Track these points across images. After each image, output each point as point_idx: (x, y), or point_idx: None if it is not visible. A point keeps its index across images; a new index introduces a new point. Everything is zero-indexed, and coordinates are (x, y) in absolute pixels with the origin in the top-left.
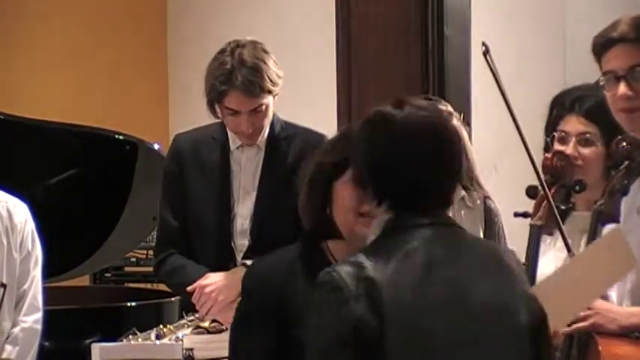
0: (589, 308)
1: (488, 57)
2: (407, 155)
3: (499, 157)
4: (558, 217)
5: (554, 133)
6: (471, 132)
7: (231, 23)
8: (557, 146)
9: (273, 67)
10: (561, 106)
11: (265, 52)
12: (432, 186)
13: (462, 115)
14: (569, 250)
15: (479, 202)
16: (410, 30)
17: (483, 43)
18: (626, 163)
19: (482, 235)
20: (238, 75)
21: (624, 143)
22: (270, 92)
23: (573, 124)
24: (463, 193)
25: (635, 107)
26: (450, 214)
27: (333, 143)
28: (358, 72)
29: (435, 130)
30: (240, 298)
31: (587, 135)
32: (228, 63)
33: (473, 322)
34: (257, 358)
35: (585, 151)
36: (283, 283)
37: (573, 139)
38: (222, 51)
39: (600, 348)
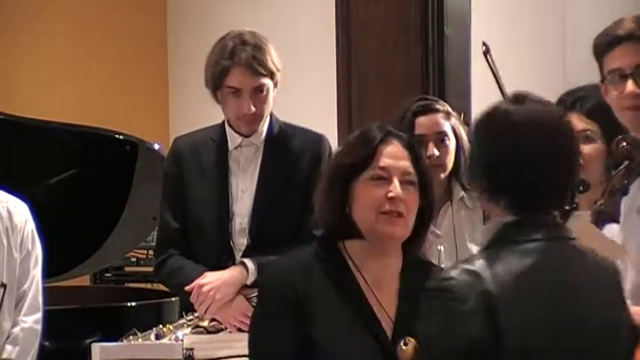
0: None
1: (488, 57)
2: (525, 150)
3: None
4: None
5: None
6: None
7: (231, 23)
8: None
9: (274, 53)
10: (563, 105)
11: (265, 39)
12: (549, 183)
13: (462, 115)
14: None
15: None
16: (410, 30)
17: (484, 43)
18: (626, 162)
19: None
20: (242, 53)
21: (624, 143)
22: (272, 75)
23: (574, 122)
24: (462, 193)
25: None
26: (449, 215)
27: (351, 143)
28: (358, 72)
29: (553, 124)
30: (257, 295)
31: (588, 132)
32: (229, 45)
33: (585, 345)
34: (275, 357)
35: (586, 148)
36: (299, 282)
37: None
38: (222, 38)
39: None
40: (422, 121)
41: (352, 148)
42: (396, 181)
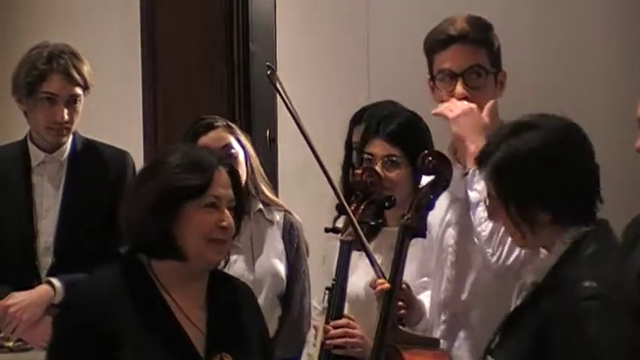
0: None
1: (273, 78)
2: (578, 165)
3: (306, 172)
4: (361, 233)
5: (362, 156)
6: (277, 147)
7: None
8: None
9: (88, 68)
10: (366, 128)
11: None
12: (597, 193)
13: (269, 131)
14: (373, 265)
15: (279, 217)
16: (215, 46)
17: (269, 66)
18: (432, 177)
19: (283, 251)
20: (60, 60)
21: (430, 158)
22: (86, 87)
23: (378, 148)
24: (260, 206)
25: None
26: (248, 227)
27: (183, 165)
28: (164, 87)
29: (584, 137)
30: (57, 315)
31: (394, 158)
32: (45, 52)
33: None
34: None
35: (391, 174)
36: (107, 302)
37: (380, 162)
38: (36, 47)
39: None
40: (205, 140)
41: (185, 172)
42: (226, 210)
